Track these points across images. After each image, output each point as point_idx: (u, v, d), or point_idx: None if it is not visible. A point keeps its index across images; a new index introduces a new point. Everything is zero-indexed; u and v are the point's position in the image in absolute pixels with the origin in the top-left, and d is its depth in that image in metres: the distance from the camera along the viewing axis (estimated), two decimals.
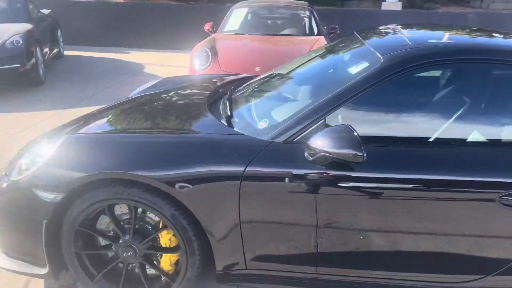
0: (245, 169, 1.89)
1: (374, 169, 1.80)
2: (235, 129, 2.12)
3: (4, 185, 2.10)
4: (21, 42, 6.11)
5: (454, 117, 1.90)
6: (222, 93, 2.76)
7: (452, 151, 1.85)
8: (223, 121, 2.21)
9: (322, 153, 1.78)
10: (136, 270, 2.17)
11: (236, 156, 1.92)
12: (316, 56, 2.79)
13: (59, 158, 2.04)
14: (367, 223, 1.89)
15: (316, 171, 1.85)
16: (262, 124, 2.09)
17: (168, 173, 1.91)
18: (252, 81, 2.85)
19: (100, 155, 1.99)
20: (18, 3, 7.23)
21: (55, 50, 8.38)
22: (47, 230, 2.04)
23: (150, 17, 10.82)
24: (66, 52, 9.20)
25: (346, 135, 1.73)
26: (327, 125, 1.90)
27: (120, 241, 2.09)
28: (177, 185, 1.91)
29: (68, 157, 2.03)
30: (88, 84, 6.96)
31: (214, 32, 6.52)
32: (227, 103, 2.41)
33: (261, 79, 2.82)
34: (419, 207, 1.83)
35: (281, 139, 1.94)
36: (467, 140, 1.87)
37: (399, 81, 1.90)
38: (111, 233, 2.15)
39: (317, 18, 6.46)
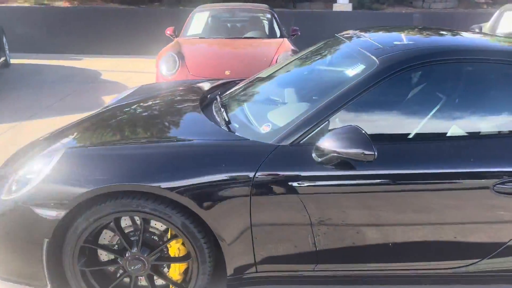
0: (255, 173, 1.92)
1: (381, 166, 1.89)
2: (237, 134, 2.14)
3: None
4: None
5: (449, 113, 2.05)
6: (211, 98, 2.77)
7: (451, 145, 1.98)
8: (224, 127, 2.23)
9: (331, 154, 1.85)
10: (143, 283, 2.13)
11: (245, 161, 1.94)
12: (304, 59, 2.86)
13: (59, 174, 1.96)
14: (376, 218, 1.98)
15: (325, 172, 1.91)
16: (265, 128, 2.13)
17: (179, 182, 1.90)
18: (241, 85, 2.87)
19: (105, 167, 1.94)
20: None
21: (1, 59, 7.92)
22: (48, 249, 1.96)
23: (100, 21, 10.48)
24: (12, 61, 8.71)
25: (355, 135, 1.80)
26: (326, 127, 1.98)
27: (127, 255, 2.04)
28: (188, 194, 1.90)
29: (70, 172, 1.96)
30: (43, 93, 6.63)
31: (177, 36, 6.45)
32: (221, 108, 2.43)
33: (250, 82, 2.85)
34: (421, 200, 1.94)
35: (287, 142, 1.98)
36: (464, 134, 2.02)
37: (394, 82, 2.01)
38: (116, 247, 2.10)
39: (279, 21, 6.57)
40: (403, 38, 2.45)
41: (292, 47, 5.61)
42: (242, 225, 1.97)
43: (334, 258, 2.09)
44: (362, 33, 2.69)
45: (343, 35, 2.84)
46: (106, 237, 2.10)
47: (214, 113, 2.46)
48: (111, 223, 2.03)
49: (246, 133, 2.13)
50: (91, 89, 7.00)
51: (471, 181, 1.94)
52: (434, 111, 2.06)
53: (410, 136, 2.02)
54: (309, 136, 1.98)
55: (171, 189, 1.89)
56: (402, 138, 2.03)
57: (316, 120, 1.99)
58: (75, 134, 2.41)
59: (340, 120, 2.01)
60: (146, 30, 10.26)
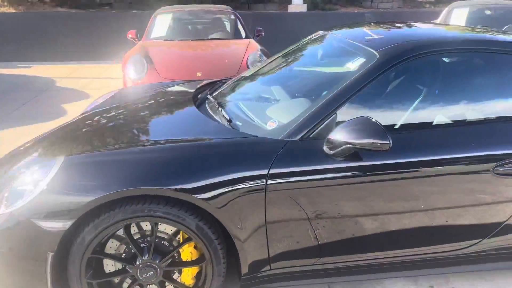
0: (269, 170, 1.91)
1: (393, 155, 1.94)
2: (242, 131, 2.11)
3: None
4: None
5: (452, 101, 2.14)
6: (202, 98, 2.72)
7: (453, 131, 2.07)
8: (227, 125, 2.19)
9: (345, 146, 1.87)
10: None
11: (259, 158, 1.93)
12: (292, 56, 2.88)
13: (61, 182, 1.85)
14: (388, 206, 2.02)
15: (338, 164, 1.94)
16: (271, 124, 2.12)
17: (193, 183, 1.85)
18: (231, 83, 2.84)
19: (113, 173, 1.85)
20: None
21: None
22: (53, 264, 1.84)
23: (49, 27, 10.00)
24: None
25: (369, 125, 1.84)
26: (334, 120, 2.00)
27: (138, 262, 1.96)
28: (203, 195, 1.85)
29: (74, 180, 1.85)
30: None
31: (139, 39, 6.29)
32: (219, 107, 2.39)
33: (241, 80, 2.83)
34: (431, 185, 2.02)
35: (296, 137, 1.99)
36: (466, 120, 2.12)
37: (395, 73, 2.08)
38: (124, 256, 2.00)
39: (243, 22, 6.58)
40: (390, 32, 2.54)
41: (260, 47, 5.64)
42: (257, 222, 1.95)
43: (349, 249, 2.11)
44: (346, 29, 2.76)
45: (327, 31, 2.89)
46: (113, 246, 2.00)
47: (211, 112, 2.41)
48: (117, 232, 1.94)
49: (251, 130, 2.11)
50: (48, 97, 6.65)
51: (473, 166, 2.03)
52: (437, 100, 2.15)
53: (418, 124, 2.10)
54: (317, 130, 1.99)
55: (186, 190, 1.84)
56: (408, 127, 2.10)
57: (324, 114, 2.01)
58: (66, 141, 2.28)
59: (345, 113, 2.03)
60: (98, 35, 9.92)
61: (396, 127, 2.06)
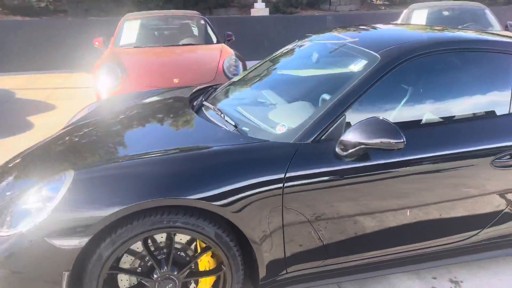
0: (285, 173, 1.92)
1: (406, 152, 2.00)
2: (251, 136, 2.11)
3: None
4: None
5: (453, 99, 2.25)
6: (198, 105, 2.69)
7: (456, 128, 2.18)
8: (234, 131, 2.18)
9: (359, 146, 1.92)
10: None
11: (275, 162, 1.93)
12: (283, 60, 2.91)
13: (75, 198, 1.77)
14: (395, 203, 2.09)
15: (351, 164, 1.98)
16: (280, 129, 2.13)
17: (212, 191, 1.83)
18: (224, 89, 2.84)
19: (130, 185, 1.79)
20: None
21: None
22: (68, 284, 1.76)
23: (1, 36, 9.51)
24: None
25: (382, 125, 1.89)
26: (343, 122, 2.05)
27: (156, 275, 1.91)
28: (221, 202, 1.84)
29: (89, 194, 1.78)
30: None
31: (106, 47, 6.12)
32: (222, 113, 2.38)
33: (235, 85, 2.83)
34: (439, 179, 2.11)
35: (308, 140, 2.01)
36: (473, 116, 2.23)
37: (397, 74, 2.15)
38: (140, 270, 1.95)
39: (212, 27, 6.56)
40: (381, 34, 2.63)
41: (234, 52, 5.65)
42: (274, 226, 1.96)
43: (359, 247, 2.16)
44: (336, 33, 2.82)
45: (315, 34, 2.95)
46: (127, 261, 1.94)
47: (213, 119, 2.40)
48: (131, 246, 1.89)
49: (260, 135, 2.12)
50: (10, 110, 6.33)
51: (474, 159, 2.14)
52: (436, 98, 2.25)
53: (421, 122, 2.18)
54: (328, 132, 2.03)
55: (205, 198, 1.81)
56: (413, 124, 2.18)
57: (333, 116, 2.04)
58: (66, 154, 2.19)
59: (353, 114, 2.08)
60: (55, 43, 9.56)
61: (414, 124, 2.14)
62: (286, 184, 1.92)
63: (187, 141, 2.15)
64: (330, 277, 2.18)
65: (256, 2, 11.59)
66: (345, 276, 2.20)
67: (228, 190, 1.85)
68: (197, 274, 2.00)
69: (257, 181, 1.89)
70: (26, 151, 2.56)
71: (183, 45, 6.02)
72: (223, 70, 5.13)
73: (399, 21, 7.90)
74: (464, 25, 6.74)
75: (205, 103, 2.65)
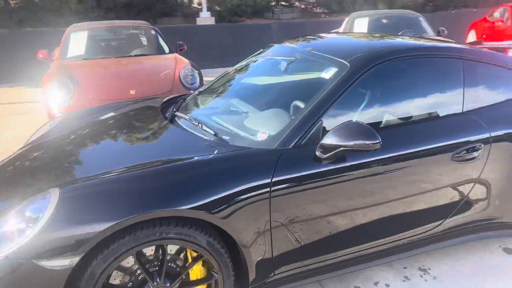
0: (271, 178, 1.99)
1: (380, 152, 2.14)
2: (233, 144, 2.16)
3: None
4: None
5: (415, 101, 2.43)
6: (170, 116, 2.69)
7: (421, 127, 2.36)
8: (216, 140, 2.22)
9: (338, 149, 2.03)
10: None
11: (261, 168, 2.00)
12: (252, 69, 2.99)
13: (64, 216, 1.72)
14: (370, 200, 2.23)
15: (331, 166, 2.09)
16: (261, 136, 2.20)
17: (203, 200, 1.85)
18: (194, 98, 2.88)
19: (121, 199, 1.77)
20: None
21: None
22: None
23: None
24: None
25: (359, 128, 2.02)
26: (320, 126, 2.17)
27: None
28: (213, 211, 1.87)
29: (78, 211, 1.74)
30: None
31: (52, 60, 5.88)
32: (199, 123, 2.40)
33: (205, 94, 2.87)
34: (408, 175, 2.28)
35: (289, 145, 2.10)
36: (433, 116, 2.42)
37: (365, 79, 2.30)
38: (131, 285, 1.92)
39: (163, 36, 6.51)
40: (346, 42, 2.80)
41: (189, 61, 5.65)
42: (262, 230, 2.02)
43: (339, 244, 2.27)
44: (301, 41, 2.95)
45: (281, 45, 3.06)
46: (117, 277, 1.91)
47: (190, 129, 2.42)
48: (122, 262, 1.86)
49: (242, 142, 2.18)
50: None
51: (437, 156, 2.34)
52: (400, 100, 2.43)
53: (388, 123, 2.35)
54: (307, 137, 2.13)
55: (197, 208, 1.84)
56: (383, 125, 2.34)
57: (311, 121, 2.15)
58: (40, 172, 2.11)
59: (329, 118, 2.20)
60: None
61: (381, 126, 2.30)
62: (273, 188, 1.99)
63: (170, 153, 2.16)
64: (312, 276, 2.27)
65: (201, 11, 11.62)
66: (326, 273, 2.30)
67: (219, 198, 1.89)
68: (189, 284, 2.00)
69: (246, 187, 1.95)
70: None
71: (135, 56, 5.92)
72: (180, 80, 5.13)
73: (341, 29, 8.30)
74: (402, 32, 7.22)
75: (178, 113, 2.67)
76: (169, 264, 1.97)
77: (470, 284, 2.45)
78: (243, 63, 3.18)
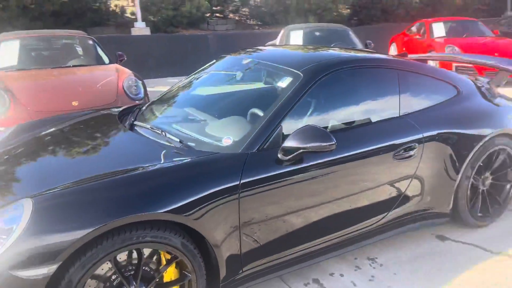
0: (240, 181, 2.13)
1: (336, 152, 2.36)
2: (200, 150, 2.28)
3: None
4: None
5: (360, 107, 2.70)
6: (129, 125, 2.73)
7: (368, 129, 2.63)
8: (182, 146, 2.32)
9: (298, 151, 2.22)
10: None
11: (230, 172, 2.13)
12: (205, 79, 3.12)
13: (40, 225, 1.73)
14: (326, 197, 2.45)
15: (294, 166, 2.28)
16: (227, 141, 2.33)
17: (177, 203, 1.95)
18: (153, 106, 2.94)
19: (97, 206, 1.81)
20: None
21: None
22: None
23: None
24: None
25: (316, 131, 2.22)
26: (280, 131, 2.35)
27: None
28: (186, 213, 1.97)
29: (55, 220, 1.75)
30: None
31: None
32: (162, 131, 2.48)
33: (164, 102, 2.95)
34: (356, 173, 2.53)
35: (253, 149, 2.26)
36: (374, 121, 2.70)
37: (318, 87, 2.53)
38: None
39: (102, 46, 6.39)
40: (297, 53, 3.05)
41: (132, 72, 5.62)
42: (232, 229, 2.15)
43: (298, 240, 2.46)
44: (253, 53, 3.14)
45: (233, 56, 3.22)
46: (92, 284, 1.93)
47: (152, 137, 2.48)
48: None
49: (207, 148, 2.30)
50: None
51: (381, 155, 2.62)
52: (346, 106, 2.69)
53: (336, 128, 2.59)
54: (269, 141, 2.30)
55: (172, 211, 1.93)
56: (337, 128, 2.58)
57: (272, 127, 2.33)
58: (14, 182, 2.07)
59: (288, 124, 2.39)
60: None
61: (329, 129, 2.53)
62: (241, 190, 2.13)
63: (138, 161, 2.21)
64: (275, 271, 2.43)
65: (136, 21, 11.46)
66: (287, 268, 2.48)
67: (191, 201, 1.99)
68: (163, 285, 2.07)
69: (216, 189, 2.07)
70: None
71: (73, 66, 5.75)
72: (124, 91, 5.08)
73: (278, 40, 8.67)
74: (334, 44, 7.72)
75: (137, 123, 2.72)
76: (143, 267, 2.03)
77: (411, 268, 2.75)
78: (196, 74, 3.29)
